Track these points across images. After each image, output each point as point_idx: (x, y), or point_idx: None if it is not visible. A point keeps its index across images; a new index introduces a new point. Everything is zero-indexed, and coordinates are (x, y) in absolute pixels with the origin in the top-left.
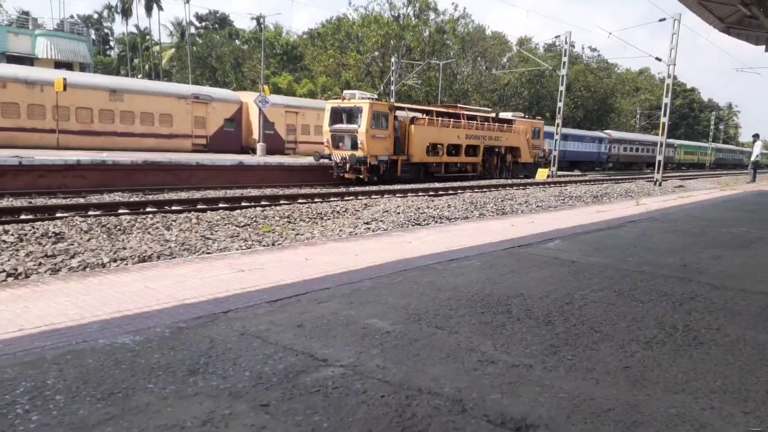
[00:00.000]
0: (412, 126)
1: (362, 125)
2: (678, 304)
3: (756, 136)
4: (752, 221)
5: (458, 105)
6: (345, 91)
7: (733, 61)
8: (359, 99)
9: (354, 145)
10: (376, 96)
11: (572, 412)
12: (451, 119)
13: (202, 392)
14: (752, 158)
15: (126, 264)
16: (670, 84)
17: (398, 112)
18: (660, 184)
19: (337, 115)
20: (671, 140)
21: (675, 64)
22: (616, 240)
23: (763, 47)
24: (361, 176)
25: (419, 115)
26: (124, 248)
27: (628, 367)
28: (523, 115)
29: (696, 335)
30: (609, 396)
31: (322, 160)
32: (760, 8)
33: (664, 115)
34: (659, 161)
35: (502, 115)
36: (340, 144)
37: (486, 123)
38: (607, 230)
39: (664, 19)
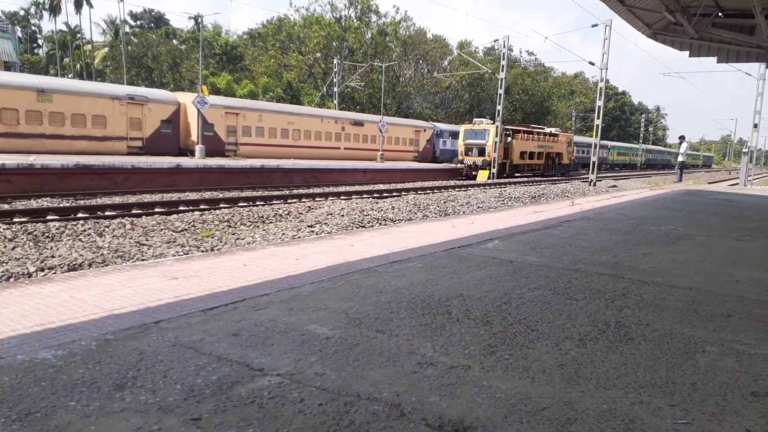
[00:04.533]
0: (514, 140)
1: (489, 141)
2: (610, 301)
3: (682, 138)
4: (679, 219)
5: (531, 125)
6: (475, 119)
7: (660, 66)
8: (486, 124)
9: (482, 153)
10: (492, 121)
11: (509, 412)
12: (529, 134)
13: (130, 408)
14: (679, 159)
15: (54, 273)
16: (603, 87)
17: (505, 131)
18: (594, 185)
19: (468, 134)
20: (605, 142)
21: (607, 68)
22: (552, 239)
23: (687, 53)
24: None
25: (512, 133)
26: (53, 256)
27: (563, 364)
28: (560, 129)
29: (627, 331)
30: (544, 394)
31: (458, 164)
32: (684, 16)
33: (598, 118)
34: (593, 162)
35: (553, 130)
36: (470, 153)
37: (545, 136)
38: (543, 230)
39: (596, 25)
